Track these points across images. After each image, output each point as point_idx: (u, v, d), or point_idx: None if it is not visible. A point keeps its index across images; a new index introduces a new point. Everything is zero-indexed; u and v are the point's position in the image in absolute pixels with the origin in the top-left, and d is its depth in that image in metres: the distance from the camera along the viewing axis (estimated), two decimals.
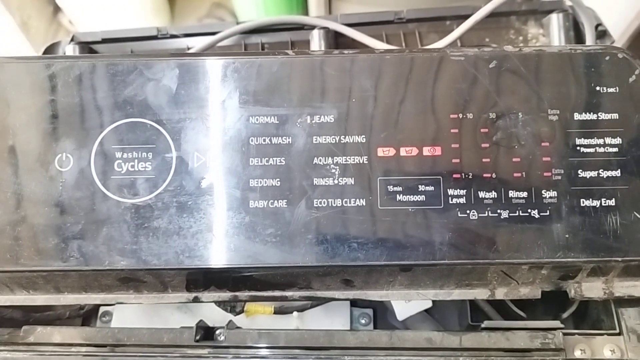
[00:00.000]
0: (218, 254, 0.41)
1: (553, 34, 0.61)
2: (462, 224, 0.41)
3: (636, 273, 0.43)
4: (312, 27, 0.63)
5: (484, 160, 0.42)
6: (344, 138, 0.43)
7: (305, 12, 1.21)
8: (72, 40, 0.64)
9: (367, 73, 0.43)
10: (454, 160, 0.42)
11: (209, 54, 0.46)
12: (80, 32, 0.66)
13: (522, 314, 0.52)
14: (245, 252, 0.41)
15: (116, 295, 0.46)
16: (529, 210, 0.41)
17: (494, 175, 0.42)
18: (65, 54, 0.64)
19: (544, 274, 0.43)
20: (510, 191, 0.41)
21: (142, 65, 0.44)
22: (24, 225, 0.42)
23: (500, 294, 0.44)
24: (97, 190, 0.42)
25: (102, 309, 0.58)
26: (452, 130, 0.42)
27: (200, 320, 0.47)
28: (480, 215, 0.41)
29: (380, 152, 0.42)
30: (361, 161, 0.42)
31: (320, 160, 0.42)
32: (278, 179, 0.42)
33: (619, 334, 0.44)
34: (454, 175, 0.42)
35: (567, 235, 0.40)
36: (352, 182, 0.42)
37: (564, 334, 0.43)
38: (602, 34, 0.59)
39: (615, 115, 0.42)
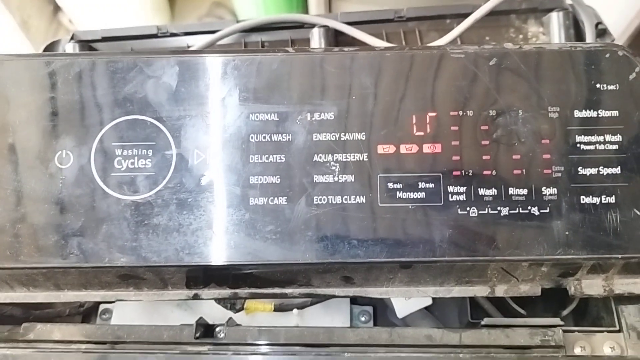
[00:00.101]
0: (218, 251, 0.41)
1: (553, 32, 0.61)
2: (462, 221, 0.41)
3: (636, 270, 0.43)
4: (312, 26, 0.63)
5: (484, 157, 0.42)
6: (344, 135, 0.43)
7: (306, 11, 1.21)
8: (72, 38, 0.64)
9: (367, 70, 0.43)
10: (454, 158, 0.42)
11: (209, 51, 0.46)
12: (80, 30, 0.66)
13: (522, 311, 0.52)
14: (245, 249, 0.41)
15: (116, 293, 0.46)
16: (529, 208, 0.41)
17: (494, 173, 0.42)
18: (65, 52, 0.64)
19: (544, 271, 0.43)
20: (510, 188, 0.41)
21: (142, 62, 0.44)
22: (24, 222, 0.42)
23: (500, 291, 0.44)
24: (97, 187, 0.42)
25: (102, 307, 0.58)
26: (452, 128, 0.42)
27: (200, 318, 0.47)
28: (480, 212, 0.41)
29: (381, 149, 0.42)
30: (361, 158, 0.42)
31: (320, 158, 0.42)
32: (278, 176, 0.42)
33: (619, 331, 0.44)
34: (454, 173, 0.42)
35: (567, 233, 0.40)
36: (352, 180, 0.42)
37: (564, 331, 0.43)
38: (602, 32, 0.59)
39: (615, 113, 0.42)
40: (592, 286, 0.43)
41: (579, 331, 0.44)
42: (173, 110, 0.43)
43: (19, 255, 0.41)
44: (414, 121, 0.43)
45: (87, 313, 0.59)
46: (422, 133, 0.42)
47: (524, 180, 0.41)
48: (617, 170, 0.41)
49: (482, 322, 0.45)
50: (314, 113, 0.43)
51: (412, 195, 0.42)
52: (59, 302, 0.55)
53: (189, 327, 0.45)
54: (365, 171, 0.42)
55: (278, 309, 0.54)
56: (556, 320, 0.44)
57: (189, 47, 0.64)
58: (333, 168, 0.42)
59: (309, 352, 0.43)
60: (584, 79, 0.43)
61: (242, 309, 0.52)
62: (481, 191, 0.41)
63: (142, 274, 0.43)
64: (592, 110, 0.42)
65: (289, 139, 0.43)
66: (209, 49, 0.61)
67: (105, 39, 0.65)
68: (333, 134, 0.43)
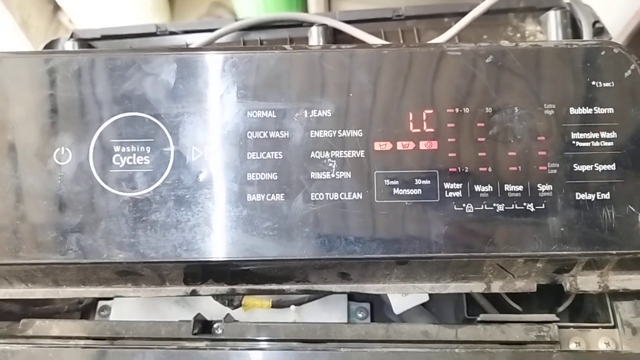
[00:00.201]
0: (216, 247, 0.41)
1: (551, 31, 0.62)
2: (458, 217, 0.41)
3: (631, 266, 0.43)
4: (311, 24, 0.63)
5: (480, 154, 0.42)
6: (341, 132, 0.43)
7: (305, 10, 1.21)
8: (71, 37, 0.64)
9: (365, 68, 0.44)
10: (450, 154, 0.42)
11: (207, 49, 0.47)
12: (79, 29, 0.66)
13: (518, 307, 0.52)
14: (243, 246, 0.41)
15: (114, 289, 0.46)
16: (525, 204, 0.41)
17: (490, 169, 0.42)
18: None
19: (539, 267, 0.43)
20: (506, 185, 0.42)
21: (141, 60, 0.44)
22: (22, 218, 0.42)
23: (496, 287, 0.44)
24: (95, 184, 0.42)
25: (100, 304, 0.59)
26: (448, 125, 0.43)
27: (198, 314, 0.47)
28: (476, 208, 0.41)
29: (377, 146, 0.42)
30: (358, 155, 0.42)
31: (317, 154, 0.42)
32: (275, 173, 0.42)
33: (614, 326, 0.44)
34: (450, 169, 0.42)
35: (562, 229, 0.41)
36: (349, 176, 0.42)
37: (559, 327, 0.43)
38: (599, 30, 0.59)
39: (610, 110, 0.42)
40: (587, 282, 0.44)
41: (574, 327, 0.44)
42: (171, 108, 0.43)
43: (17, 251, 0.42)
44: (411, 118, 0.43)
45: (86, 310, 0.59)
46: (418, 130, 0.43)
47: (519, 176, 0.42)
48: (612, 167, 0.41)
49: (478, 318, 0.45)
50: (311, 110, 0.43)
51: (408, 191, 0.42)
52: (58, 299, 0.55)
53: (186, 324, 0.46)
54: (362, 168, 0.42)
55: (276, 305, 0.54)
56: (551, 316, 0.44)
57: (187, 45, 0.64)
58: (330, 165, 0.42)
59: (305, 348, 0.43)
60: (580, 77, 0.43)
61: (240, 305, 0.52)
62: (477, 188, 0.42)
63: (140, 270, 0.43)
64: (587, 108, 0.42)
65: (286, 136, 0.43)
66: (207, 46, 0.62)
67: (104, 38, 0.65)
68: (330, 131, 0.43)
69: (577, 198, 0.41)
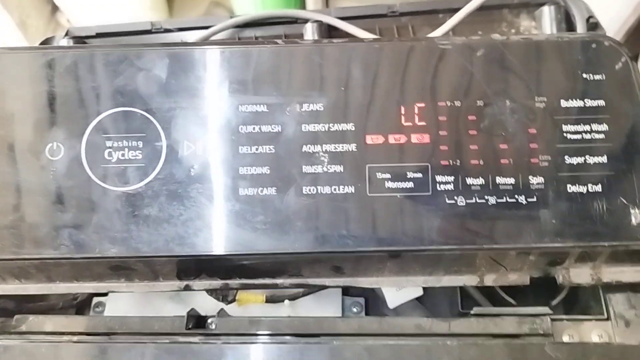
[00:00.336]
0: (208, 241, 0.41)
1: (545, 26, 0.61)
2: (450, 210, 0.41)
3: (623, 258, 0.43)
4: (306, 21, 0.63)
5: (471, 147, 0.42)
6: (333, 126, 0.43)
7: (303, 8, 1.21)
8: (66, 34, 0.65)
9: (356, 62, 0.44)
10: (442, 148, 0.42)
11: (199, 44, 0.47)
12: (74, 27, 0.66)
13: (512, 301, 0.52)
14: (236, 240, 0.41)
15: (108, 284, 0.46)
16: (516, 197, 0.41)
17: (481, 162, 0.42)
18: None
19: (532, 260, 0.43)
20: (497, 178, 0.42)
21: (133, 55, 0.44)
22: (15, 213, 0.42)
23: (489, 280, 0.44)
24: (87, 178, 0.42)
25: (95, 300, 0.58)
26: (440, 118, 0.43)
27: (192, 309, 0.47)
28: (468, 201, 0.41)
29: (369, 139, 0.43)
30: (350, 149, 0.42)
31: (309, 148, 0.43)
32: (268, 167, 0.42)
33: (607, 319, 0.44)
34: (442, 162, 0.42)
35: (554, 221, 0.41)
36: (341, 170, 0.42)
37: (552, 320, 0.43)
38: (593, 26, 0.59)
39: (601, 102, 0.42)
40: (580, 275, 0.44)
41: (567, 319, 0.44)
42: (163, 102, 0.43)
43: (10, 246, 0.42)
44: (403, 112, 0.43)
45: (81, 306, 0.59)
46: (410, 123, 0.43)
47: (511, 169, 0.42)
48: (603, 159, 0.41)
49: (472, 312, 0.45)
50: (303, 104, 0.43)
51: (400, 185, 0.42)
52: (52, 295, 0.55)
53: (180, 318, 0.46)
54: (354, 161, 0.42)
55: (270, 300, 0.54)
56: (545, 309, 0.44)
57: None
58: (322, 158, 0.42)
59: (298, 341, 0.43)
60: (571, 69, 0.43)
61: (234, 300, 0.52)
62: (469, 180, 0.42)
63: (132, 264, 0.43)
64: (578, 100, 0.42)
65: (278, 129, 0.43)
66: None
67: (99, 35, 0.65)
68: (322, 124, 0.43)
69: (568, 190, 0.41)
